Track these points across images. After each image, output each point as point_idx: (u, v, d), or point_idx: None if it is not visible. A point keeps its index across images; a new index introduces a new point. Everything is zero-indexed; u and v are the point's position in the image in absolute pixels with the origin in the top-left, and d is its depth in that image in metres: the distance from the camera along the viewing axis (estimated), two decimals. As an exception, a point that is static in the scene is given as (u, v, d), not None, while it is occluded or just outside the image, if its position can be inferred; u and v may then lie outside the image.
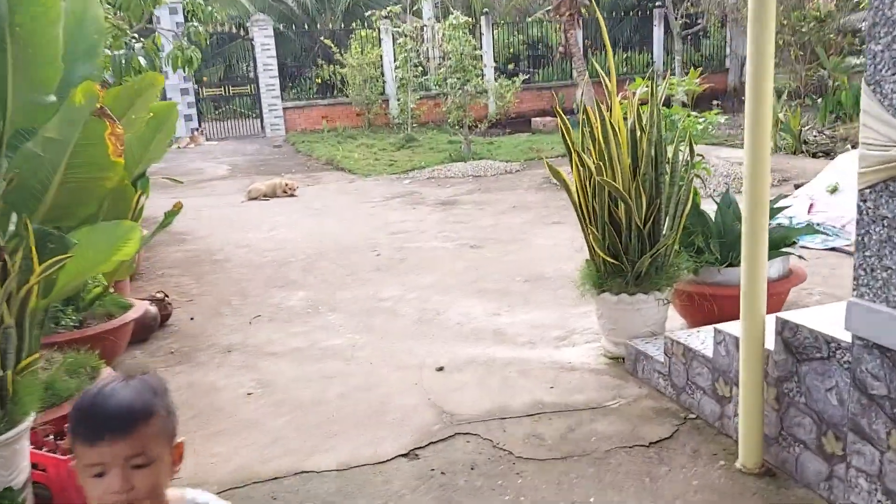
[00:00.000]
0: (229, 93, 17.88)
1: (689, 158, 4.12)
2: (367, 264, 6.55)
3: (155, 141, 4.26)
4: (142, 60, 6.37)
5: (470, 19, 13.13)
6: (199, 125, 17.19)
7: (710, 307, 4.02)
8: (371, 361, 4.36)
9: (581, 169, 4.05)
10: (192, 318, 5.30)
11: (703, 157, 6.70)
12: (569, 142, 4.11)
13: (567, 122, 4.27)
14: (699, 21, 21.02)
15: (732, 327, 3.17)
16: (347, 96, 18.31)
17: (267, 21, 17.62)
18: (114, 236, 3.05)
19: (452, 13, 13.01)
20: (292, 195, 10.18)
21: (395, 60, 18.67)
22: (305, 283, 6.05)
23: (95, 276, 4.14)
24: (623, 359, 4.08)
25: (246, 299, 5.71)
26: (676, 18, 19.77)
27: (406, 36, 15.15)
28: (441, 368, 4.19)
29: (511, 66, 19.87)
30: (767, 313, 2.93)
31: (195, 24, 8.66)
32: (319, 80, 20.64)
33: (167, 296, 5.35)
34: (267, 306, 5.49)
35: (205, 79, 21.27)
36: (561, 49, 19.77)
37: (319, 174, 12.28)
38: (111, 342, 4.09)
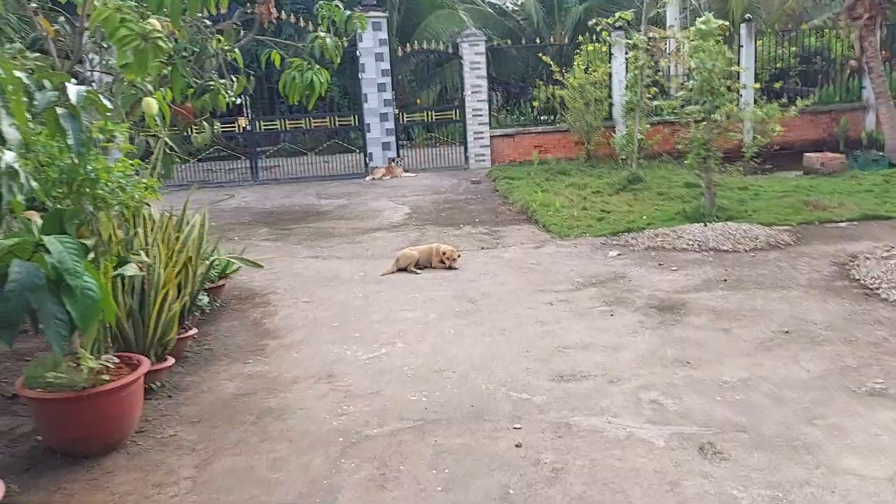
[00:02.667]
0: (431, 119, 15.54)
1: None
2: (488, 471, 3.40)
3: None
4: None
5: (725, 22, 9.29)
6: (398, 153, 15.08)
7: None
8: None
9: None
10: None
11: None
12: None
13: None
14: None
15: None
16: (565, 122, 15.13)
17: (478, 37, 15.02)
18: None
19: (702, 16, 9.30)
20: (451, 267, 7.29)
21: (624, 78, 15.15)
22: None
23: None
24: None
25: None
26: None
27: (637, 48, 11.63)
28: None
29: (778, 85, 15.28)
30: None
31: (324, 34, 6.21)
32: (536, 104, 17.69)
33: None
34: None
35: (418, 101, 19.35)
36: (853, 62, 14.83)
37: (505, 230, 9.28)
38: None
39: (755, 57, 15.42)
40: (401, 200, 12.05)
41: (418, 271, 7.26)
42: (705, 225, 8.20)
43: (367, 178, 14.64)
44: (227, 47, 6.05)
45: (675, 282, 6.45)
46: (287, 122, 14.69)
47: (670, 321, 5.42)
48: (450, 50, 15.50)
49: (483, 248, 8.23)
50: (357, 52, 14.52)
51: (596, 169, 14.03)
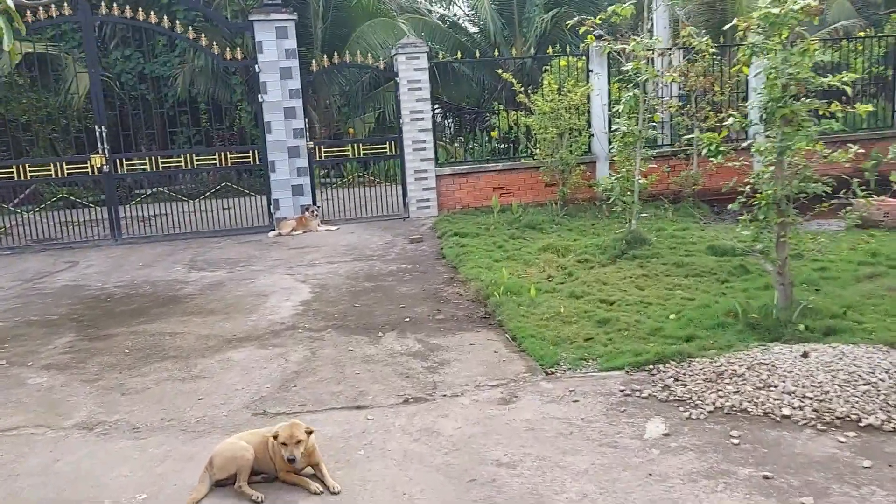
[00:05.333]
0: (358, 154, 11.72)
1: None
2: None
3: None
4: None
5: (814, 2, 5.64)
6: (315, 200, 11.23)
7: None
8: None
9: None
10: None
11: None
12: None
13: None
14: None
15: None
16: (533, 157, 11.56)
17: (417, 47, 11.33)
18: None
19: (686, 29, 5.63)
20: (315, 491, 3.46)
21: (606, 101, 11.65)
22: None
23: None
24: None
25: None
26: None
27: (638, 59, 8.05)
28: None
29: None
30: None
31: None
32: (496, 134, 14.07)
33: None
34: None
35: (351, 131, 15.55)
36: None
37: (451, 342, 5.50)
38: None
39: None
40: (304, 274, 8.19)
41: (255, 497, 3.39)
42: (805, 355, 4.53)
43: (272, 234, 10.75)
44: None
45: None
46: (159, 159, 10.71)
47: None
48: (381, 66, 11.76)
49: (407, 401, 4.42)
50: (256, 66, 10.69)
51: (576, 220, 10.39)
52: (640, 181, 8.40)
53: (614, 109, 8.41)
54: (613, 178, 8.40)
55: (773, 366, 4.38)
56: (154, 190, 11.37)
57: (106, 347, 5.88)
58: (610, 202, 8.37)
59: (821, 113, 5.43)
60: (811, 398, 3.96)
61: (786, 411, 3.88)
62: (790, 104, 5.25)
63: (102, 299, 7.57)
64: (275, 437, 3.38)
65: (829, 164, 5.50)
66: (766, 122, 5.47)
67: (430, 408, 4.29)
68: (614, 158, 10.95)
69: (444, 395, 4.48)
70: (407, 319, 6.18)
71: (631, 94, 8.12)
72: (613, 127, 8.28)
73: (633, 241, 8.18)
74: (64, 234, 10.86)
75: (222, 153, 10.92)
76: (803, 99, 5.34)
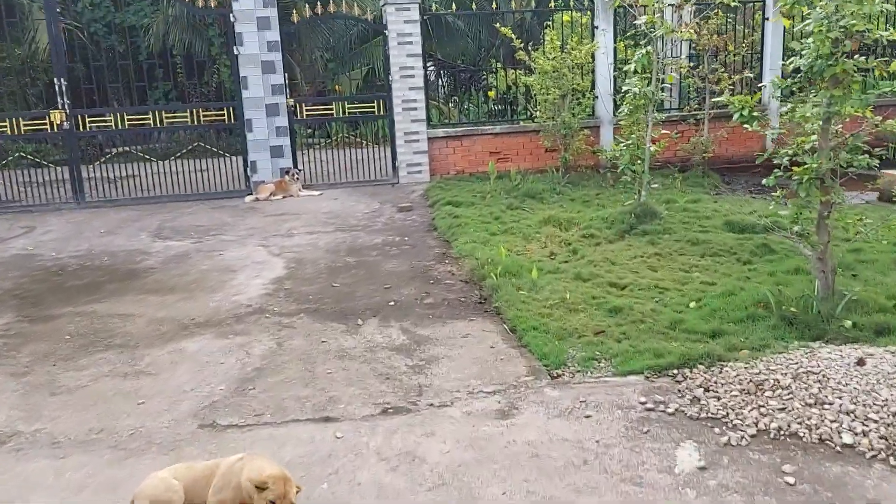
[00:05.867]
0: (343, 112, 10.82)
1: None
2: None
3: None
4: None
5: None
6: (295, 163, 10.37)
7: None
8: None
9: None
10: None
11: None
12: None
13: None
14: None
15: None
16: (533, 120, 10.70)
17: (409, 1, 10.35)
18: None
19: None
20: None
21: (613, 61, 10.78)
22: None
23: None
24: None
25: None
26: None
27: (652, 12, 7.17)
28: None
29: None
30: None
31: None
32: (493, 94, 13.16)
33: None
34: None
35: (337, 88, 14.59)
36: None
37: (440, 333, 4.73)
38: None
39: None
40: (279, 246, 7.40)
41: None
42: (861, 363, 3.80)
43: (248, 199, 9.92)
44: None
45: None
46: (126, 116, 9.78)
47: None
48: (369, 17, 10.80)
49: (386, 412, 3.68)
50: (230, 15, 9.72)
51: (579, 189, 9.59)
52: (651, 148, 7.60)
53: (626, 68, 7.54)
54: (622, 144, 7.57)
55: (824, 376, 3.65)
56: (122, 149, 10.44)
57: (45, 332, 5.11)
58: (619, 171, 7.56)
59: (877, 74, 4.63)
60: (877, 421, 3.25)
61: (847, 438, 3.16)
62: (842, 62, 4.44)
63: (54, 272, 6.77)
64: (259, 487, 2.59)
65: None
66: (810, 84, 4.67)
67: (413, 422, 3.56)
68: (620, 123, 10.15)
69: (431, 405, 3.74)
70: (391, 303, 5.42)
71: (644, 51, 7.26)
72: (623, 88, 7.43)
73: (642, 215, 7.41)
74: (24, 196, 9.99)
75: (195, 111, 10.00)
76: (857, 57, 4.54)
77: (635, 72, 7.32)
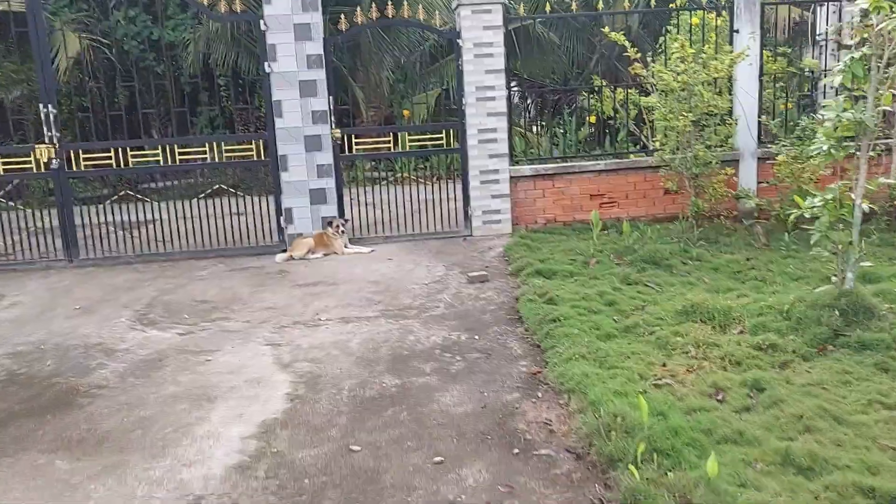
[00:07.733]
0: (403, 147, 8.44)
1: None
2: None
3: None
4: None
5: None
6: (342, 212, 8.07)
7: None
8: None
9: None
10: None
11: None
12: None
13: None
14: None
15: None
16: (650, 153, 8.06)
17: (490, 2, 7.92)
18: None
19: None
20: None
21: (760, 73, 8.01)
22: None
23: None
24: None
25: None
26: None
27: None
28: None
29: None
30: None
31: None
32: (594, 119, 10.53)
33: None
34: None
35: (406, 114, 12.30)
36: None
37: None
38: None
39: None
40: (293, 346, 5.01)
41: None
42: None
43: (279, 258, 7.66)
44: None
45: None
46: (128, 152, 7.69)
47: None
48: (437, 23, 8.45)
49: None
50: (261, 22, 7.56)
51: (720, 250, 6.85)
52: (863, 206, 4.82)
53: (828, 80, 4.86)
54: (817, 198, 4.81)
55: None
56: (124, 192, 8.38)
57: None
58: (813, 242, 4.80)
59: None
60: None
61: None
62: None
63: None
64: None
65: None
66: None
67: None
68: (777, 158, 7.37)
69: None
70: (443, 511, 2.92)
71: (858, 53, 4.54)
72: (822, 111, 4.76)
73: (850, 311, 4.65)
74: (16, 250, 8.08)
75: (211, 143, 7.83)
76: None
77: (843, 85, 4.60)
